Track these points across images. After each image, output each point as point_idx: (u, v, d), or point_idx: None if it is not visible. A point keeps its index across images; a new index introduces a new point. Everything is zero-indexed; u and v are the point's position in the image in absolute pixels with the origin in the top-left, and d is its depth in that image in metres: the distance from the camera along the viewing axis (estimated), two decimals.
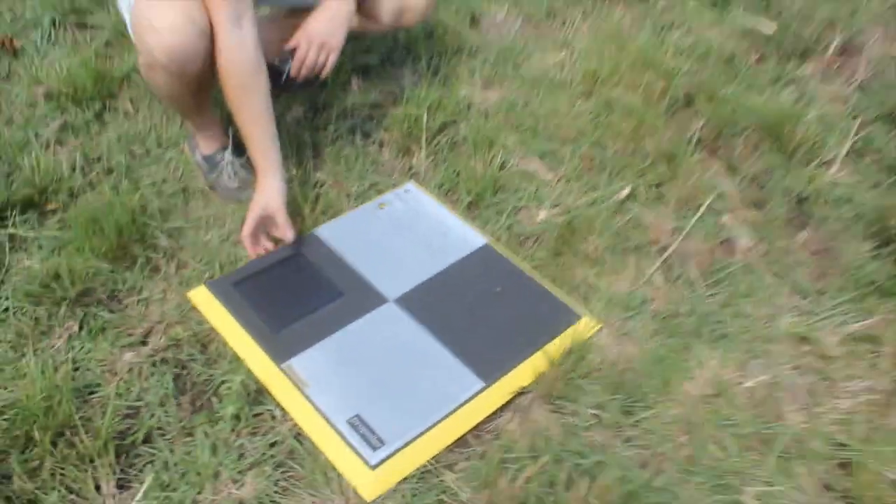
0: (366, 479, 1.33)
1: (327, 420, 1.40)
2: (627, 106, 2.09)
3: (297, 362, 1.49)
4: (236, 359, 1.49)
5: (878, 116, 2.09)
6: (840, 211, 1.90)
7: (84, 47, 2.15)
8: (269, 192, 1.65)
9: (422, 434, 1.40)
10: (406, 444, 1.38)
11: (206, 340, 1.53)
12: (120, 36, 2.17)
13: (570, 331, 1.59)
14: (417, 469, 1.36)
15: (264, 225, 1.68)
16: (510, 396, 1.49)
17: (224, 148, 1.83)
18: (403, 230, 1.81)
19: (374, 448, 1.37)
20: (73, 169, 1.81)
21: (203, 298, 1.59)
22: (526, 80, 2.23)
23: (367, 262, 1.72)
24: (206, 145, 1.83)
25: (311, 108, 2.05)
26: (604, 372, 1.55)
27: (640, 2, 2.54)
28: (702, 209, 1.85)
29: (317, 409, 1.42)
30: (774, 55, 2.28)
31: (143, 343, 1.52)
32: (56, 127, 1.91)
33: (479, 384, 1.49)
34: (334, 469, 1.35)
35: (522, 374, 1.52)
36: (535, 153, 2.00)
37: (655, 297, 1.71)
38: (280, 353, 1.50)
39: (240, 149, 1.82)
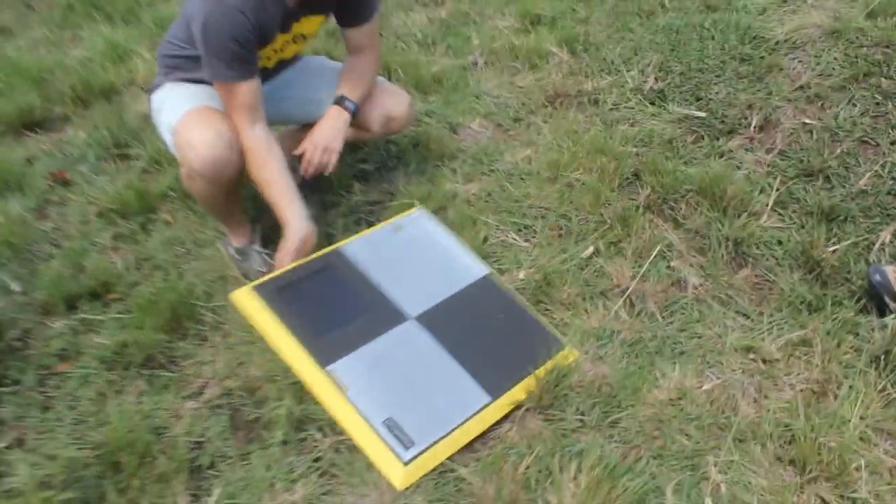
0: (399, 473, 1.63)
1: (366, 420, 1.69)
2: (586, 185, 2.47)
3: (338, 367, 1.77)
4: (278, 397, 1.80)
5: (796, 174, 2.47)
6: (772, 250, 2.26)
7: (126, 173, 2.54)
8: (294, 234, 1.99)
9: (443, 437, 1.70)
10: (430, 445, 1.68)
11: (253, 388, 1.84)
12: (155, 163, 2.57)
13: (557, 356, 1.90)
14: (438, 466, 1.66)
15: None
16: (509, 409, 1.80)
17: (252, 242, 2.20)
18: (417, 254, 2.12)
19: (407, 447, 1.66)
20: (128, 267, 2.16)
21: (247, 300, 1.89)
22: (500, 173, 2.62)
23: (388, 280, 2.00)
24: (237, 240, 2.19)
25: (322, 207, 2.41)
26: (584, 387, 1.86)
27: (591, 104, 2.97)
28: (653, 255, 2.21)
29: (357, 409, 1.70)
30: (706, 135, 2.69)
31: (201, 394, 1.84)
32: (109, 236, 2.28)
33: (487, 398, 1.79)
34: (370, 462, 1.65)
35: (519, 391, 1.82)
36: (512, 228, 2.36)
37: (622, 328, 2.04)
38: (323, 357, 1.78)
39: (264, 241, 2.19)
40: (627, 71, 3.09)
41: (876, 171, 2.41)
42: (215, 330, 2.00)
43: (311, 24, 2.15)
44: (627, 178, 2.52)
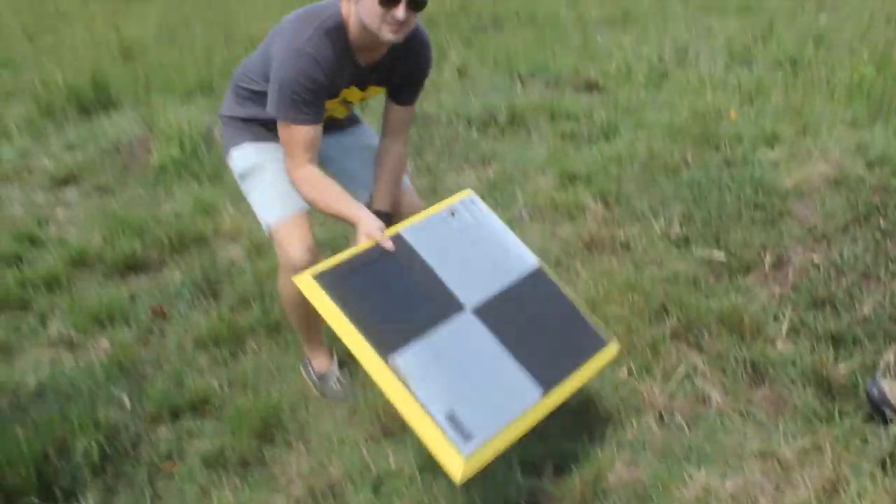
0: (459, 467, 1.69)
1: (427, 412, 1.72)
2: (618, 317, 2.79)
3: (399, 359, 1.79)
4: (356, 492, 2.09)
5: (806, 305, 2.78)
6: (786, 370, 2.53)
7: (217, 309, 2.94)
8: (370, 218, 2.08)
9: (499, 432, 1.78)
10: (488, 440, 1.75)
11: (333, 485, 2.14)
12: (242, 301, 2.97)
13: (599, 354, 2.08)
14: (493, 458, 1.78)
15: None
16: (556, 406, 1.94)
17: (331, 366, 2.53)
18: (472, 241, 2.14)
19: (467, 441, 1.72)
20: (222, 386, 2.52)
21: (309, 287, 1.89)
22: None
23: (445, 267, 2.01)
24: (317, 364, 2.53)
25: None
26: (620, 486, 2.13)
27: (623, 249, 3.34)
28: (680, 376, 2.50)
29: (419, 402, 1.74)
30: (726, 274, 3.03)
31: (288, 490, 2.14)
32: (204, 361, 2.65)
33: (538, 393, 1.88)
34: (431, 454, 1.75)
35: (567, 387, 1.95)
36: None
37: (653, 439, 2.31)
38: (384, 348, 1.79)
39: (341, 365, 2.54)
40: (655, 220, 3.47)
41: (878, 300, 2.72)
42: (299, 437, 2.32)
43: (374, 92, 2.35)
44: (656, 311, 2.84)
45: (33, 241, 3.68)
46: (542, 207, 3.78)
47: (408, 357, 1.81)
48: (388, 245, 2.01)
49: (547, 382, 1.91)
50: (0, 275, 3.34)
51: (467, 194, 2.26)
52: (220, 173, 4.36)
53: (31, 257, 3.51)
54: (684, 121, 4.59)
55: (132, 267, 3.34)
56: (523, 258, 2.17)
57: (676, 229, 3.35)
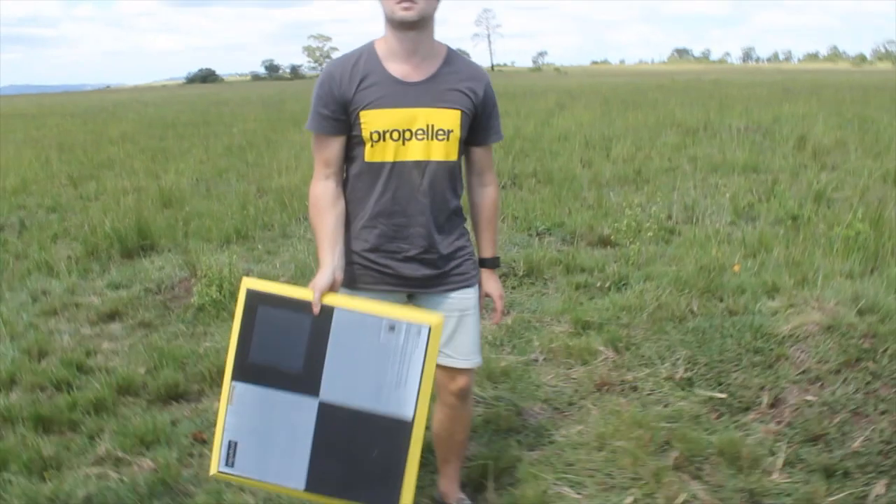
0: (213, 469, 2.12)
1: (223, 429, 2.10)
2: (625, 450, 3.00)
3: (240, 386, 2.10)
4: None
5: (801, 441, 2.98)
6: (782, 501, 2.71)
7: None
8: (324, 275, 2.13)
9: (252, 479, 2.12)
10: (241, 476, 2.11)
11: None
12: None
13: None
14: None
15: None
16: None
17: None
18: (380, 360, 2.07)
19: (226, 465, 2.10)
20: (258, 502, 2.72)
21: (241, 292, 2.10)
22: (557, 443, 3.16)
23: (336, 361, 2.07)
24: None
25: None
26: None
27: (631, 391, 3.56)
28: (680, 501, 2.69)
29: (224, 419, 2.09)
30: (727, 412, 3.24)
31: None
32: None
33: (301, 485, 2.10)
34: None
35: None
36: (566, 484, 2.87)
37: None
38: (238, 371, 2.09)
39: None
40: (662, 363, 3.72)
41: (867, 435, 2.92)
42: None
43: (442, 118, 2.20)
44: (660, 445, 3.05)
45: (81, 368, 3.98)
46: (556, 352, 4.03)
47: (246, 389, 2.10)
48: (315, 310, 2.06)
49: (315, 486, 2.09)
50: (51, 397, 3.63)
51: (427, 322, 2.07)
52: None
53: (80, 383, 3.79)
54: (690, 274, 4.90)
55: (174, 396, 3.61)
56: (404, 404, 2.07)
57: (681, 373, 3.59)
